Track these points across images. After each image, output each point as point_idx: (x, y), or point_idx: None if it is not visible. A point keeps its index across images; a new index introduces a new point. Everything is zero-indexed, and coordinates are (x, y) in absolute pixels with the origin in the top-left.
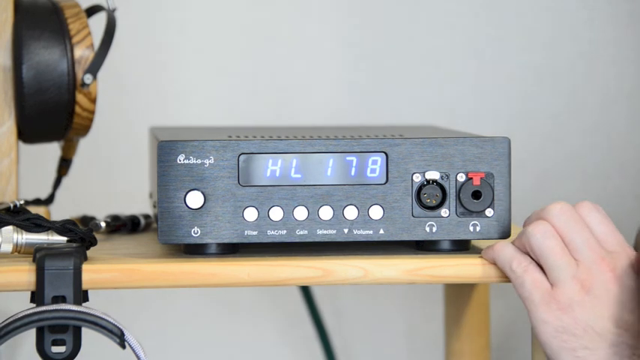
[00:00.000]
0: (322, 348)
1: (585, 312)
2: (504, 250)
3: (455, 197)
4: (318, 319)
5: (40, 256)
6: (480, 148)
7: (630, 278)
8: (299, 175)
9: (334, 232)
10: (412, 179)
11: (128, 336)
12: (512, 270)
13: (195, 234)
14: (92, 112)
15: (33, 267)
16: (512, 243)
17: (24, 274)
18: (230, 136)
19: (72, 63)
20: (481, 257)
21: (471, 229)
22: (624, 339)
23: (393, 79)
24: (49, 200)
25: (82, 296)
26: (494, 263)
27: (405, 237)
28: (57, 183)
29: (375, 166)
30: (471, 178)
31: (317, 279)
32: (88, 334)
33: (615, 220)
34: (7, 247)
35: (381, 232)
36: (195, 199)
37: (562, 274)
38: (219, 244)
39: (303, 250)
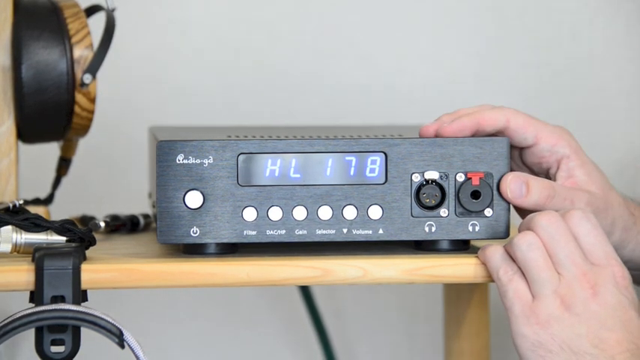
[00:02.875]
0: (322, 348)
1: (563, 329)
2: (494, 255)
3: (454, 197)
4: (317, 319)
5: (39, 255)
6: (480, 148)
7: (612, 295)
8: (298, 175)
9: (333, 232)
10: (411, 179)
11: (127, 336)
12: (499, 278)
13: (195, 234)
14: (91, 112)
15: (32, 267)
16: (504, 247)
17: (23, 273)
18: (229, 136)
19: (71, 63)
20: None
21: (470, 228)
22: None
23: (393, 79)
24: (49, 200)
25: (81, 296)
26: (485, 264)
27: (404, 237)
28: (56, 183)
29: (374, 166)
30: (470, 178)
31: (316, 279)
32: (87, 333)
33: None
34: (6, 247)
35: (380, 231)
36: (194, 199)
37: (543, 288)
38: (218, 244)
39: (302, 250)
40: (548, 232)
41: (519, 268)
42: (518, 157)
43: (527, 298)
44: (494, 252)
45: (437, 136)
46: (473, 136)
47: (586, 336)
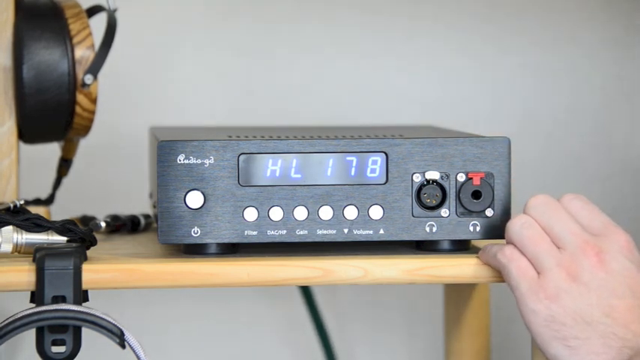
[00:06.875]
0: (322, 348)
1: (573, 300)
2: (491, 247)
3: (455, 197)
4: (318, 319)
5: (39, 256)
6: (480, 148)
7: (617, 261)
8: (299, 175)
9: (334, 232)
10: (412, 179)
11: (128, 336)
12: (499, 261)
13: (195, 234)
14: (92, 113)
15: (33, 267)
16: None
17: (24, 274)
18: (230, 136)
19: (72, 63)
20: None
21: (471, 229)
22: (613, 329)
23: (393, 79)
24: (49, 200)
25: (81, 296)
26: (487, 264)
27: (405, 237)
28: (57, 183)
29: (375, 166)
30: (471, 178)
31: (317, 279)
32: (88, 334)
33: (615, 219)
34: (7, 247)
35: (381, 232)
36: (195, 199)
37: (545, 262)
38: (219, 244)
39: (303, 250)
40: (538, 210)
41: (518, 249)
42: None
43: (531, 274)
44: (490, 246)
45: None
46: None
47: (597, 305)
